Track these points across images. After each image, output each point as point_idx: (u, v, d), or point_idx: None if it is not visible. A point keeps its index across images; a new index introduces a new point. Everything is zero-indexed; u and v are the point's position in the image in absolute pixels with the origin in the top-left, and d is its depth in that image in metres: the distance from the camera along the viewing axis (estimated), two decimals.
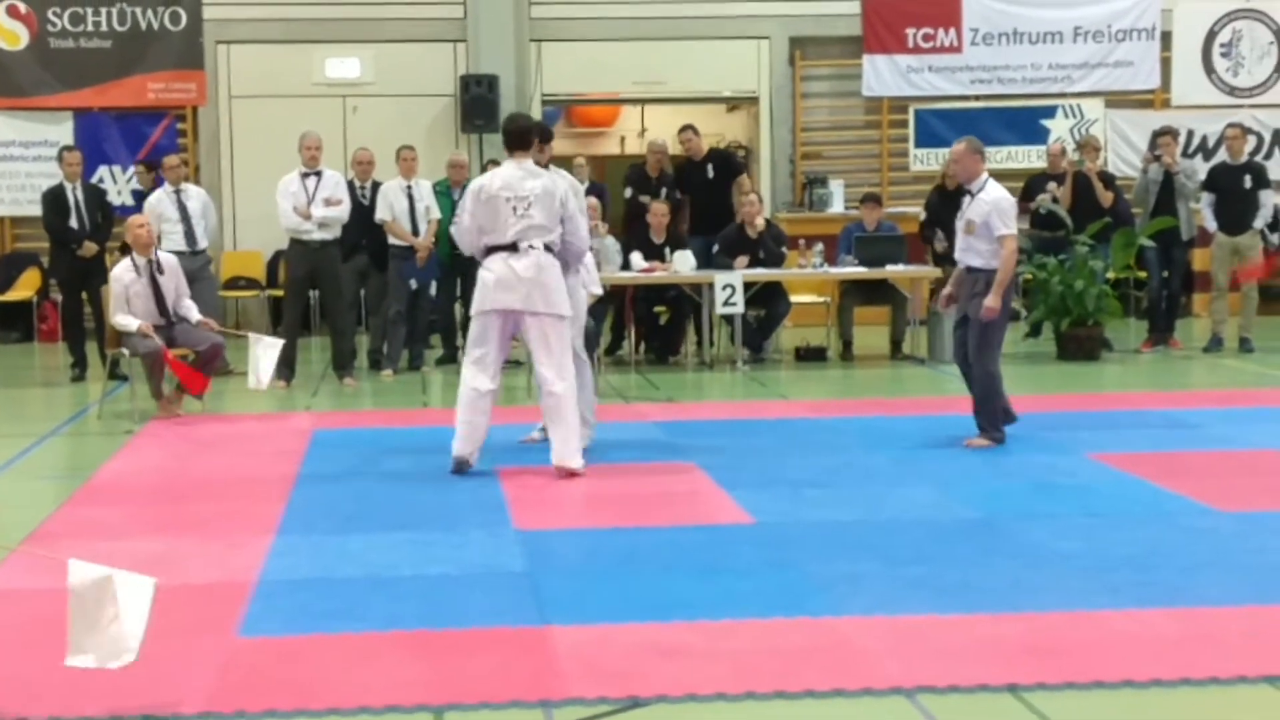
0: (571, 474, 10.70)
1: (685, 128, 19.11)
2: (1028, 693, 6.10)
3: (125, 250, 14.61)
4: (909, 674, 6.30)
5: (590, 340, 14.99)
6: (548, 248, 10.92)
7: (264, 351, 14.13)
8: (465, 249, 11.47)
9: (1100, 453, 11.39)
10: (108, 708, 6.01)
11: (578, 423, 10.99)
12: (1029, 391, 15.17)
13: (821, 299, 19.02)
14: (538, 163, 11.34)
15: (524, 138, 11.17)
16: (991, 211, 11.54)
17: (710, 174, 18.75)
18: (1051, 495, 10.00)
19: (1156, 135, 18.89)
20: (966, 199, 11.81)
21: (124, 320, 13.82)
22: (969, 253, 11.77)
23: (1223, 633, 6.95)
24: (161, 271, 14.09)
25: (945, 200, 18.02)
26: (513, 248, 10.84)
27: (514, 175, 10.94)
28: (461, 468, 10.94)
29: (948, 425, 12.49)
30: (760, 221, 17.72)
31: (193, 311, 14.24)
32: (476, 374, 10.95)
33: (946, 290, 12.55)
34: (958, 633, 6.91)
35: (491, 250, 10.94)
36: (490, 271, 10.89)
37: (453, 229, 11.71)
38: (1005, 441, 11.75)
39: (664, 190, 18.50)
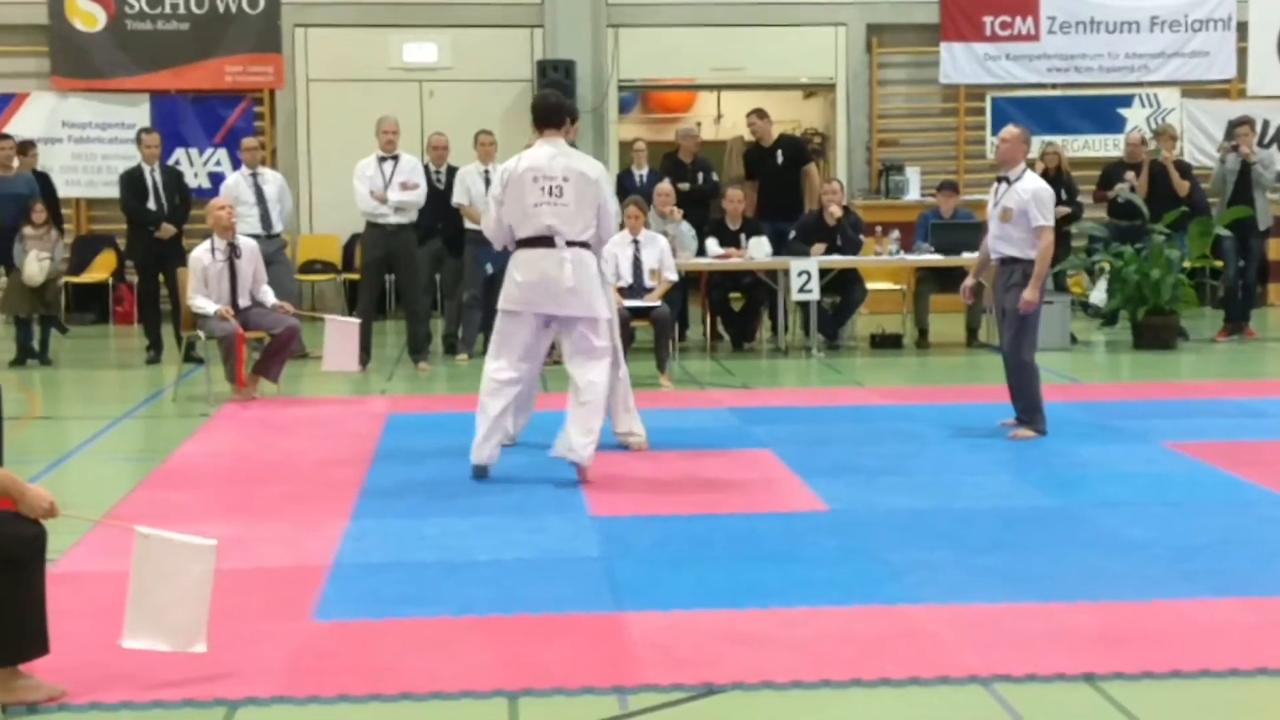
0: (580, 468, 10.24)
1: (752, 112, 19.09)
2: (1105, 682, 6.05)
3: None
4: (985, 663, 6.27)
5: (666, 326, 15.01)
6: (584, 244, 10.31)
7: (340, 332, 14.19)
8: (496, 244, 10.72)
9: (1176, 441, 11.31)
10: (181, 692, 6.02)
11: (601, 419, 10.38)
12: (1105, 380, 15.13)
13: (897, 286, 18.94)
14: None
15: (554, 115, 10.52)
16: (1030, 201, 11.43)
17: (779, 160, 18.71)
18: (1127, 484, 9.93)
19: (1234, 125, 18.73)
20: (1003, 186, 11.67)
21: (201, 303, 13.88)
22: (1003, 241, 11.64)
23: None
24: (239, 255, 14.15)
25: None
26: (547, 242, 10.21)
27: (543, 155, 10.29)
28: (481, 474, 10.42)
29: None
30: (838, 209, 17.65)
31: (269, 295, 14.30)
32: (520, 369, 10.45)
33: (968, 282, 12.46)
34: (1034, 621, 6.87)
35: (522, 244, 10.30)
36: (520, 270, 10.31)
37: (482, 224, 11.08)
38: (1048, 433, 11.67)
39: (700, 176, 18.48)
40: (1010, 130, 11.83)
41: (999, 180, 11.78)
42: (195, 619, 6.17)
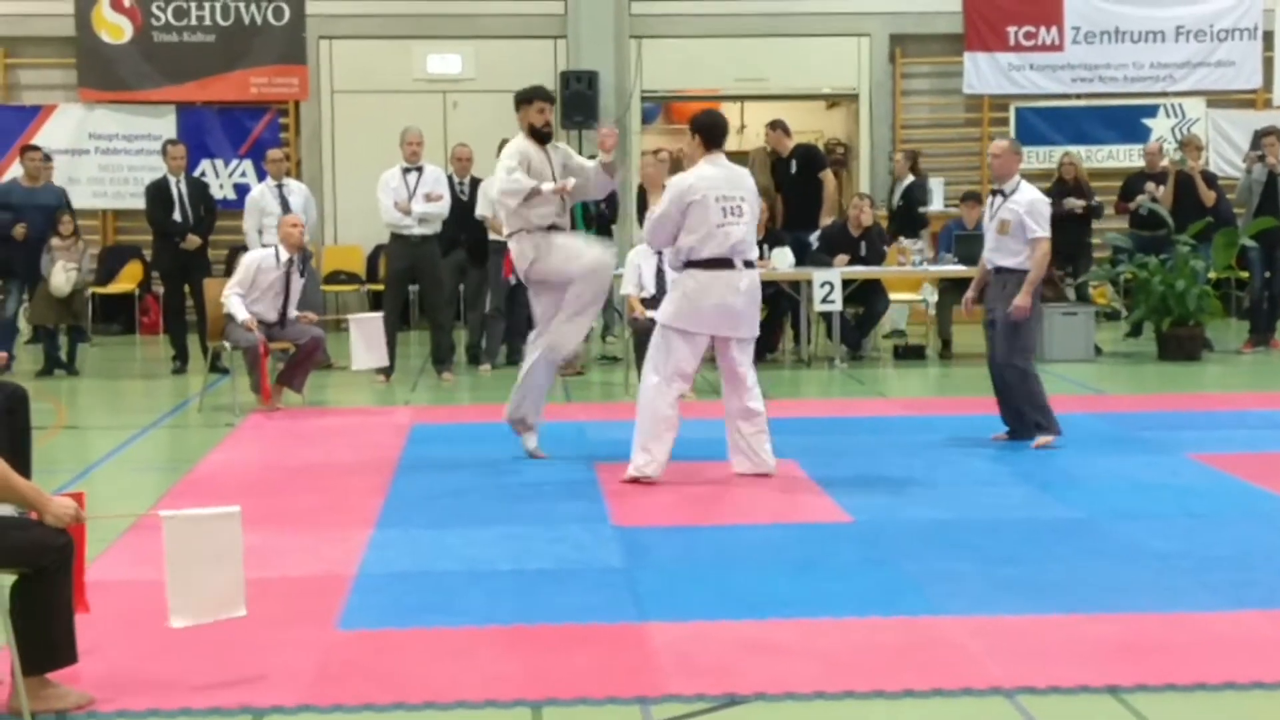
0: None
1: (769, 123, 19.12)
2: (1128, 694, 6.06)
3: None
4: (1008, 674, 6.27)
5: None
6: (751, 263, 10.51)
7: (365, 331, 14.24)
8: (655, 243, 10.87)
9: (1201, 453, 11.29)
10: (207, 699, 6.05)
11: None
12: (1129, 391, 15.09)
13: (920, 297, 18.92)
14: (544, 127, 11.30)
15: (724, 134, 10.71)
16: (1026, 213, 11.50)
17: (793, 170, 18.70)
18: (1151, 495, 9.93)
19: (1260, 135, 18.70)
20: (998, 199, 11.74)
21: (235, 303, 13.86)
22: (999, 253, 11.74)
23: None
24: (302, 274, 14.24)
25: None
26: (727, 264, 10.31)
27: (718, 175, 10.37)
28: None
29: None
30: (866, 219, 17.67)
31: (290, 307, 14.34)
32: (678, 386, 10.52)
33: (969, 295, 12.47)
34: (1057, 633, 6.87)
35: (704, 264, 10.30)
36: (706, 291, 10.29)
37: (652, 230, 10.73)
38: (1064, 433, 11.69)
39: None
40: (1000, 145, 11.93)
41: (994, 193, 11.85)
42: (232, 585, 6.31)
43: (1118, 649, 6.61)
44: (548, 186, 11.04)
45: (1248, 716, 5.96)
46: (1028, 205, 11.55)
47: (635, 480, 10.37)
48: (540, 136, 11.36)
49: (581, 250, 11.19)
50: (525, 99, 11.49)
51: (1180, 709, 5.96)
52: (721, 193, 10.26)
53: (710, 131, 10.55)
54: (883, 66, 22.75)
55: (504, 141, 16.94)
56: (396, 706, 6.00)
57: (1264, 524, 9.09)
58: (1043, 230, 11.53)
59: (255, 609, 6.42)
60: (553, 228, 11.16)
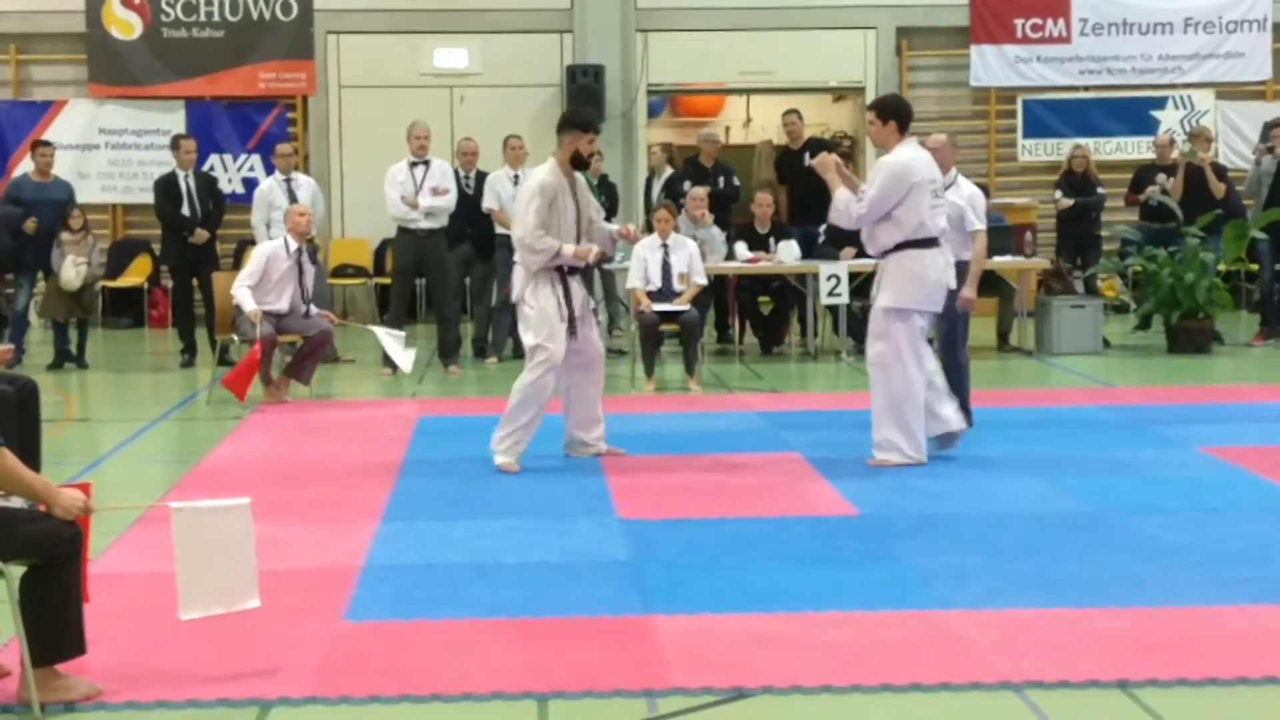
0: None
1: (788, 111, 19.11)
2: (1138, 689, 6.03)
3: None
4: (1017, 669, 6.24)
5: (694, 330, 14.97)
6: None
7: (393, 340, 14.31)
8: (868, 221, 10.68)
9: (1212, 446, 11.24)
10: (215, 691, 6.05)
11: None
12: (1138, 384, 15.06)
13: None
14: (589, 158, 11.06)
15: (911, 117, 10.85)
16: (966, 206, 11.53)
17: (806, 161, 18.68)
18: (1162, 489, 9.88)
19: (1269, 126, 18.63)
20: None
21: (244, 294, 13.87)
22: None
23: None
24: (314, 262, 14.28)
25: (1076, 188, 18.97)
26: (935, 243, 10.60)
27: (926, 160, 10.69)
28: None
29: (1056, 417, 12.40)
30: None
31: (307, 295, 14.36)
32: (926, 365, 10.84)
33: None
34: (1067, 627, 6.83)
35: (921, 244, 10.53)
36: (929, 269, 10.54)
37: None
38: (974, 425, 11.70)
39: (721, 180, 18.49)
40: (938, 138, 11.98)
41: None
42: (245, 576, 6.33)
43: (1128, 643, 6.58)
44: (569, 250, 10.65)
45: (1260, 711, 5.93)
46: (968, 198, 11.59)
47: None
48: (581, 165, 10.95)
49: (555, 331, 10.80)
50: (579, 126, 10.88)
51: (1191, 704, 5.93)
52: (930, 176, 10.56)
53: (903, 114, 10.81)
54: (889, 59, 22.73)
55: (509, 137, 17.15)
56: (403, 698, 5.99)
57: (1277, 518, 9.04)
58: (981, 223, 11.58)
59: (263, 600, 6.41)
60: (563, 271, 10.87)
